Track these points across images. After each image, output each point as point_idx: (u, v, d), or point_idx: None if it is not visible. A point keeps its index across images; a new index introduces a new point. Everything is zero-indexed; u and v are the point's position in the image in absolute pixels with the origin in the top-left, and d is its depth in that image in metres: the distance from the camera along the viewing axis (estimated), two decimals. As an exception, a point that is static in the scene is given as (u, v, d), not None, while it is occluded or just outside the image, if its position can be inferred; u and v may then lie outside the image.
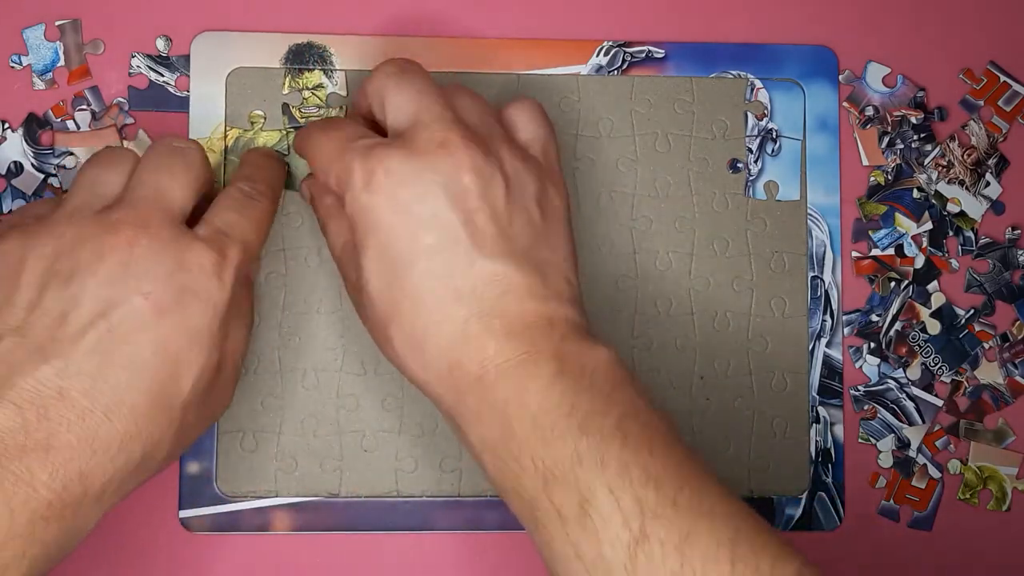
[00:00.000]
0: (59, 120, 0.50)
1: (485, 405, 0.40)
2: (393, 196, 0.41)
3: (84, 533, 0.40)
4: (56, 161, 0.50)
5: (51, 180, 0.50)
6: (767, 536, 0.38)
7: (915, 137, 0.53)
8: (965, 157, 0.53)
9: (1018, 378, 0.52)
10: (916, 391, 0.52)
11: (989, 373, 0.52)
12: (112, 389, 0.39)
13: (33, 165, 0.50)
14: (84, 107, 0.50)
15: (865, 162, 0.52)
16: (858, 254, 0.52)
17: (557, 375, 0.39)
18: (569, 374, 0.39)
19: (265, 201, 0.45)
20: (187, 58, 0.51)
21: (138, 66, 0.51)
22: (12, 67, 0.50)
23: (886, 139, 0.53)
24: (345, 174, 0.42)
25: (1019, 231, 0.53)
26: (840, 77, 0.53)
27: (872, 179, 0.52)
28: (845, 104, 0.53)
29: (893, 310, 0.52)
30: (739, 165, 0.52)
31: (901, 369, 0.52)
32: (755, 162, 0.52)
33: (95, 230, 0.40)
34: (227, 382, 0.44)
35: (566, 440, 0.38)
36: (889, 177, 0.52)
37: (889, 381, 0.52)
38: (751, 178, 0.52)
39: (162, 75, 0.51)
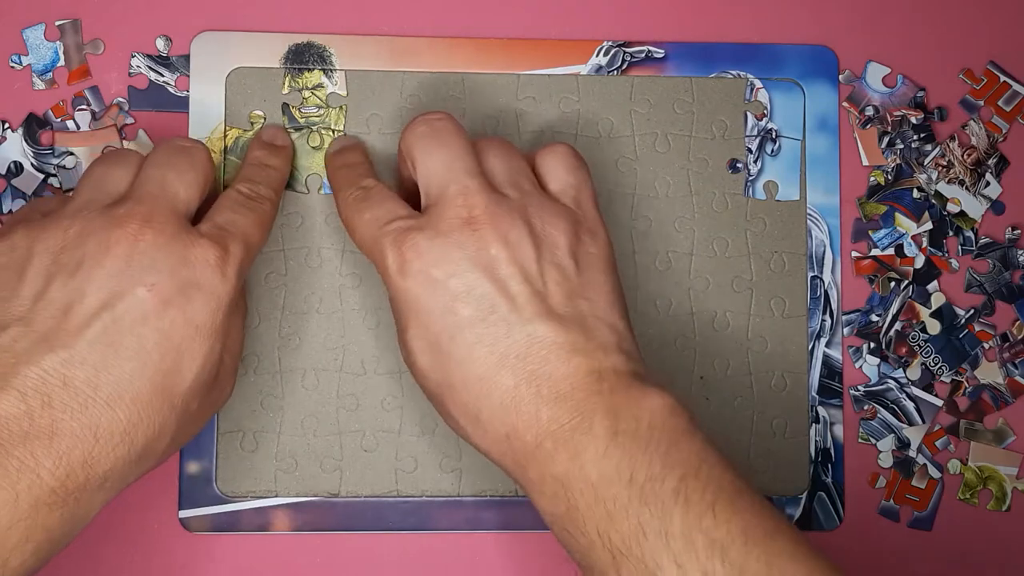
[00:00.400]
0: (59, 120, 0.50)
1: (547, 476, 0.40)
2: (426, 277, 0.41)
3: (86, 521, 0.40)
4: (56, 161, 0.50)
5: (51, 180, 0.50)
6: None
7: (915, 137, 0.53)
8: (965, 157, 0.53)
9: (1018, 378, 0.52)
10: (916, 391, 0.52)
11: (989, 373, 0.52)
12: (115, 379, 0.39)
13: (33, 165, 0.50)
14: (84, 107, 0.50)
15: (865, 162, 0.52)
16: (858, 254, 0.52)
17: (612, 436, 0.39)
18: (624, 432, 0.39)
19: (266, 203, 0.46)
20: (187, 58, 0.51)
21: (138, 66, 0.51)
22: (12, 67, 0.50)
23: (886, 139, 0.53)
24: (380, 260, 0.43)
25: (1019, 231, 0.53)
26: (840, 77, 0.53)
27: (872, 179, 0.52)
28: (845, 104, 0.53)
29: (893, 310, 0.52)
30: (739, 165, 0.52)
31: (901, 369, 0.52)
32: (755, 162, 0.52)
33: (101, 224, 0.41)
34: (227, 374, 0.45)
35: (629, 513, 0.38)
36: (889, 177, 0.52)
37: (889, 381, 0.52)
38: (751, 178, 0.52)
39: (162, 75, 0.51)
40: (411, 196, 0.45)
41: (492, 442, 0.41)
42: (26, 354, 0.39)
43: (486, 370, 0.41)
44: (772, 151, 0.52)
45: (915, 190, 0.52)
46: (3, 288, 0.41)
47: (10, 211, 0.50)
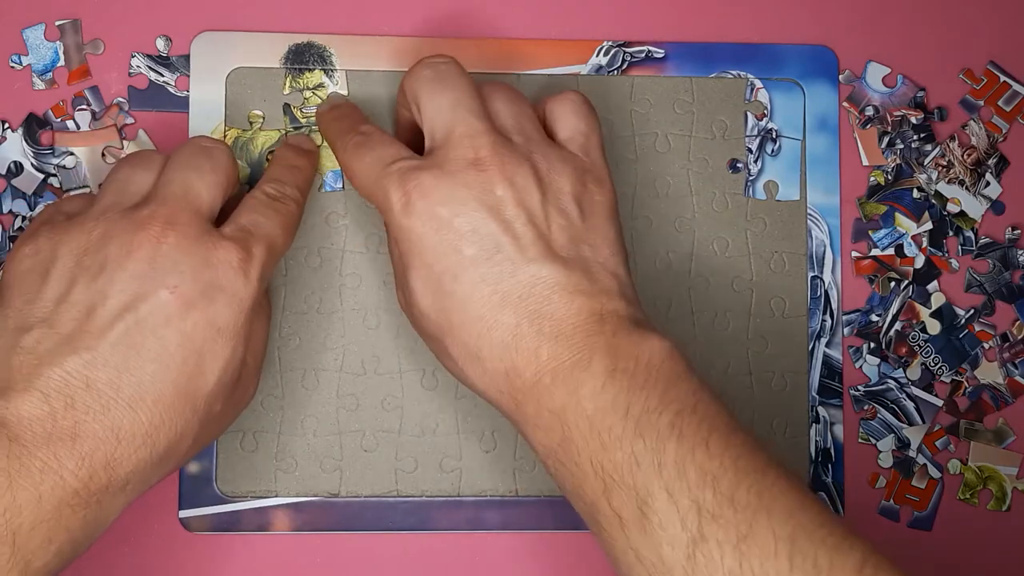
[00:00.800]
0: (59, 120, 0.50)
1: (543, 410, 0.40)
2: (431, 215, 0.42)
3: (107, 523, 0.40)
4: (56, 161, 0.50)
5: (51, 180, 0.50)
6: (828, 527, 0.38)
7: (915, 137, 0.53)
8: (965, 157, 0.53)
9: (1018, 378, 0.52)
10: (916, 391, 0.52)
11: (989, 373, 0.52)
12: (137, 381, 0.39)
13: (33, 165, 0.50)
14: (84, 107, 0.50)
15: (865, 162, 0.52)
16: (858, 254, 0.52)
17: (611, 374, 0.39)
18: (623, 371, 0.40)
19: (292, 204, 0.46)
20: (187, 58, 0.51)
21: (138, 66, 0.51)
22: (12, 67, 0.50)
23: (886, 139, 0.53)
24: (383, 199, 0.43)
25: (1019, 231, 0.53)
26: (840, 77, 0.53)
27: (872, 179, 0.52)
28: (845, 104, 0.53)
29: (893, 310, 0.52)
30: (739, 165, 0.52)
31: (901, 369, 0.52)
32: (755, 162, 0.52)
33: (124, 226, 0.41)
34: (250, 376, 0.45)
35: (623, 443, 0.38)
36: (889, 177, 0.52)
37: (889, 381, 0.52)
38: (751, 178, 0.52)
39: (162, 75, 0.51)
40: (410, 144, 0.45)
41: (491, 380, 0.42)
42: (49, 355, 0.39)
43: (488, 309, 0.41)
44: (772, 151, 0.52)
45: (915, 190, 0.52)
46: (27, 290, 0.41)
47: (10, 211, 0.50)
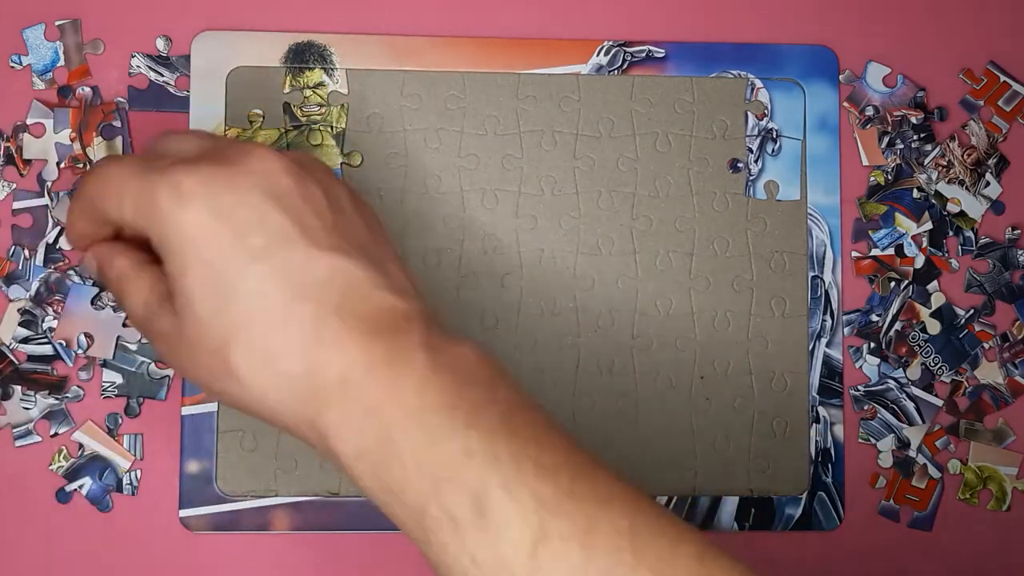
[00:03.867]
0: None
1: (355, 411, 0.37)
2: (210, 204, 0.38)
3: None
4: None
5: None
6: (665, 519, 0.37)
7: (915, 137, 0.53)
8: (965, 157, 0.53)
9: (1018, 378, 0.52)
10: (916, 391, 0.52)
11: (989, 373, 0.52)
12: None
13: (33, 165, 0.50)
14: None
15: (865, 162, 0.52)
16: (858, 254, 0.52)
17: (432, 369, 0.37)
18: (445, 367, 0.37)
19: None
20: (187, 58, 0.51)
21: (138, 66, 0.51)
22: (12, 67, 0.50)
23: (886, 139, 0.53)
24: (147, 197, 0.38)
25: (1019, 231, 0.53)
26: (840, 77, 0.53)
27: (872, 179, 0.52)
28: (845, 104, 0.53)
29: (893, 310, 0.52)
30: (739, 165, 0.52)
31: (901, 369, 0.52)
32: (755, 162, 0.52)
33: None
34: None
35: (455, 436, 0.36)
36: (889, 177, 0.52)
37: (889, 381, 0.52)
38: (751, 178, 0.52)
39: (162, 75, 0.51)
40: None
41: (286, 385, 0.37)
42: None
43: (281, 303, 0.37)
44: (773, 151, 0.52)
45: (915, 190, 0.52)
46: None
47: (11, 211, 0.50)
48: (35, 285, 0.49)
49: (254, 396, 0.38)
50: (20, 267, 0.49)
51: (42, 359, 0.49)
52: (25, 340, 0.49)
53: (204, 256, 0.38)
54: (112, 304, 0.49)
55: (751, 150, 0.52)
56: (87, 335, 0.49)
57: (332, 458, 0.38)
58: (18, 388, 0.49)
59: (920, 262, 0.52)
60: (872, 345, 0.52)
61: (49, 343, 0.49)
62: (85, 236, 0.42)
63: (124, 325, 0.49)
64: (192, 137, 0.42)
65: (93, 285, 0.49)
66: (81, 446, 0.49)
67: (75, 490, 0.49)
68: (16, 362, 0.49)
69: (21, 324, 0.49)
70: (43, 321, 0.49)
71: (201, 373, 0.39)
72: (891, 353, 0.52)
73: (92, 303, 0.49)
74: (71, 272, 0.49)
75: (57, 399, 0.49)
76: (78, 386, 0.49)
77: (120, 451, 0.49)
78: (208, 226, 0.38)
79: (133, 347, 0.49)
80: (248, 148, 0.39)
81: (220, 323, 0.38)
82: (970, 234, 0.53)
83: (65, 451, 0.49)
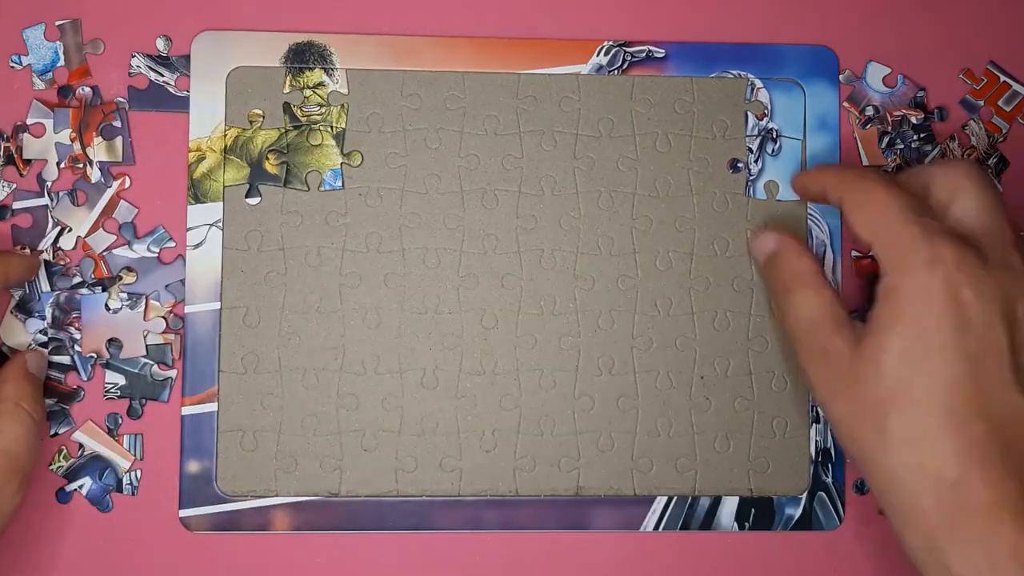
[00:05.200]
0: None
1: (992, 542, 0.38)
2: (953, 286, 0.40)
3: None
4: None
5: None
6: None
7: (915, 137, 0.53)
8: (965, 157, 0.53)
9: (1018, 378, 0.52)
10: (916, 391, 0.52)
11: (989, 373, 0.52)
12: None
13: (33, 165, 0.50)
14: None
15: (865, 162, 0.53)
16: (858, 254, 0.52)
17: None
18: None
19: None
20: (187, 58, 0.51)
21: (138, 66, 0.51)
22: (12, 67, 0.50)
23: (886, 139, 0.53)
24: (902, 244, 0.41)
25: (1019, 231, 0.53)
26: (840, 77, 0.53)
27: (872, 179, 0.52)
28: (845, 104, 0.53)
29: (893, 310, 0.52)
30: (739, 165, 0.52)
31: (901, 369, 0.52)
32: (755, 162, 0.52)
33: None
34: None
35: None
36: (889, 177, 0.52)
37: (889, 381, 0.52)
38: (751, 178, 0.52)
39: (162, 75, 0.51)
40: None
41: (922, 480, 0.40)
42: None
43: (957, 405, 0.39)
44: (773, 151, 0.52)
45: (915, 190, 0.52)
46: None
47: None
48: (48, 311, 0.49)
49: (889, 459, 0.40)
50: (28, 292, 0.49)
51: (57, 367, 0.49)
52: (52, 350, 0.49)
53: (923, 323, 0.40)
54: (127, 304, 0.49)
55: (751, 150, 0.52)
56: (113, 340, 0.49)
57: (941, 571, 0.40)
58: (18, 388, 0.49)
59: (920, 262, 0.52)
60: (872, 345, 0.52)
61: (68, 354, 0.49)
62: (809, 194, 0.49)
63: (145, 320, 0.49)
64: (973, 208, 0.43)
65: (99, 287, 0.49)
66: (81, 446, 0.49)
67: (75, 490, 0.49)
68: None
69: (52, 352, 0.49)
70: (72, 346, 0.49)
71: (842, 397, 0.42)
72: (891, 353, 0.52)
73: (106, 308, 0.49)
74: (74, 275, 0.49)
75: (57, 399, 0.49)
76: (79, 386, 0.49)
77: (120, 451, 0.49)
78: (941, 303, 0.40)
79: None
80: (1007, 261, 0.41)
81: (896, 382, 0.40)
82: (970, 234, 0.53)
83: (65, 451, 0.49)
